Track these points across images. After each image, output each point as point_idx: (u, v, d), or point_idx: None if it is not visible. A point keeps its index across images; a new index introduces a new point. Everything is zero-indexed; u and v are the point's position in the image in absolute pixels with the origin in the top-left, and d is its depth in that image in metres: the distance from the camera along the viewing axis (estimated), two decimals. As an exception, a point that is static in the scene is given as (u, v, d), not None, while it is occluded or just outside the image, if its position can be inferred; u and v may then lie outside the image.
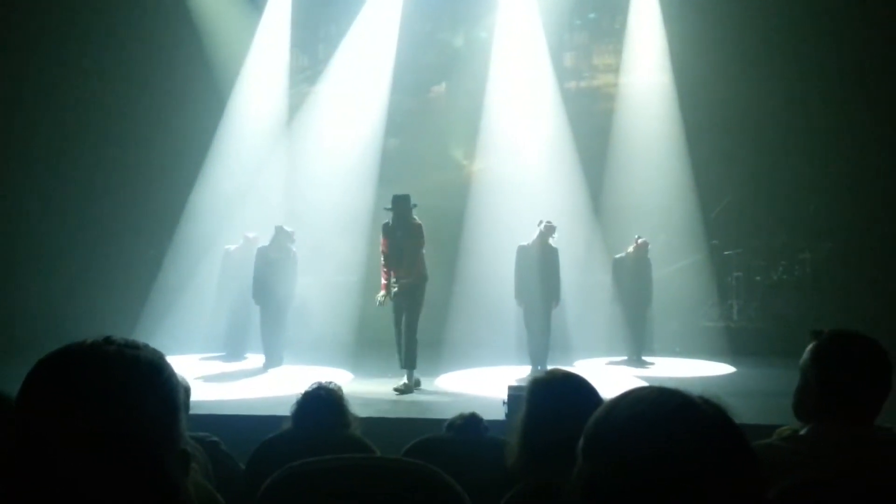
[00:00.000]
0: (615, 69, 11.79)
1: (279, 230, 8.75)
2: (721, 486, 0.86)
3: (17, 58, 10.93)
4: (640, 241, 9.17)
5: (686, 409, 0.91)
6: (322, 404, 3.05)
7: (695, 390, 0.94)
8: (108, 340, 1.02)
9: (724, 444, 0.89)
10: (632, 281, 9.08)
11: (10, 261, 10.68)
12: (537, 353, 8.25)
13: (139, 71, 11.00)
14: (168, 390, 1.02)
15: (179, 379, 1.09)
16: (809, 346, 2.07)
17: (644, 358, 9.07)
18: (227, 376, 7.90)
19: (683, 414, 0.90)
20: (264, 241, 8.87)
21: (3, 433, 1.99)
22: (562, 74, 11.59)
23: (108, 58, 11.01)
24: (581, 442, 0.96)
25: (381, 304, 7.32)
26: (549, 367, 2.72)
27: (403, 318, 7.28)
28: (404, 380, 7.14)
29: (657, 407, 0.91)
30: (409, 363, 7.20)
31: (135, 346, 1.03)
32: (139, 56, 10.98)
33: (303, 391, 3.16)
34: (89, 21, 10.94)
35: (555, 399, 2.07)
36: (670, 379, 7.89)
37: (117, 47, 10.98)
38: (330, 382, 3.20)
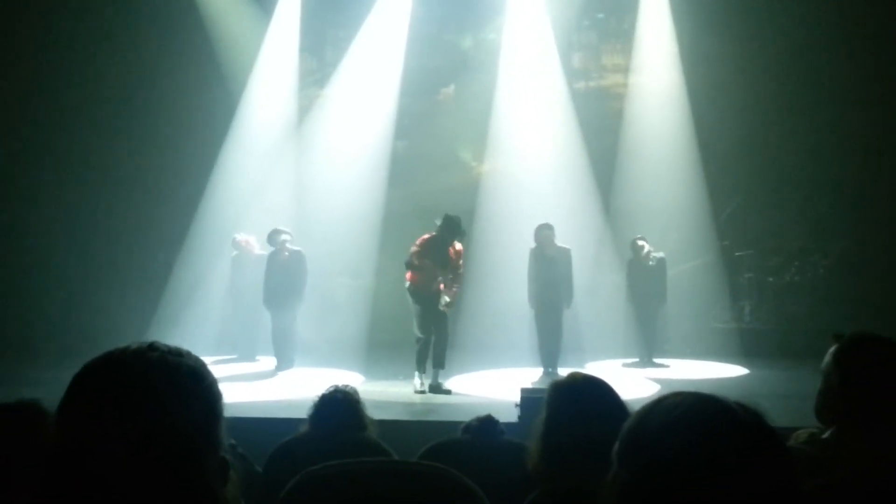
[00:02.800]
0: (624, 69, 11.76)
1: (276, 233, 8.78)
2: (760, 491, 0.86)
3: (29, 63, 10.99)
4: (641, 243, 9.13)
5: (724, 415, 0.91)
6: (339, 407, 3.05)
7: (731, 395, 0.94)
8: (152, 347, 1.03)
9: (762, 449, 0.88)
10: (646, 281, 9.04)
11: (21, 265, 10.73)
12: (549, 355, 8.24)
13: (149, 75, 11.04)
14: (209, 398, 1.03)
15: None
16: (831, 349, 2.05)
17: (656, 360, 9.03)
18: (239, 379, 7.91)
19: (721, 419, 0.90)
20: (261, 241, 8.94)
21: (32, 437, 2.01)
22: (571, 75, 11.56)
23: (119, 62, 11.06)
24: (616, 447, 0.95)
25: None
26: (568, 371, 2.71)
27: None
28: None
29: (695, 412, 0.91)
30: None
31: (178, 354, 1.04)
32: (149, 60, 11.02)
33: (319, 394, 3.16)
34: (98, 24, 10.99)
35: (575, 403, 2.06)
36: (683, 381, 7.88)
37: (127, 51, 11.03)
38: (346, 385, 3.20)
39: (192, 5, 11.09)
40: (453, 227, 7.40)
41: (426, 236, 7.43)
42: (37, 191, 10.99)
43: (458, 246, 7.52)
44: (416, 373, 7.27)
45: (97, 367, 1.00)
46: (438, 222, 7.45)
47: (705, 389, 0.96)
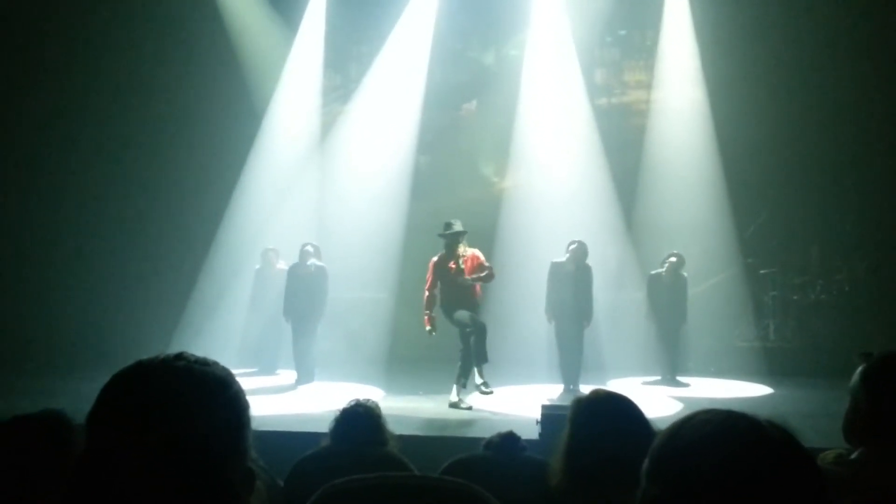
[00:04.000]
0: (647, 85, 11.74)
1: (305, 248, 8.85)
2: None
3: (54, 78, 11.19)
4: (672, 259, 9.07)
5: (754, 433, 0.90)
6: (360, 421, 3.05)
7: (762, 413, 0.93)
8: (179, 356, 1.05)
9: (793, 467, 0.88)
10: (667, 298, 8.97)
11: (46, 276, 10.88)
12: (570, 371, 8.21)
13: (176, 89, 11.19)
14: (235, 407, 1.04)
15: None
16: (859, 369, 2.02)
17: (679, 378, 8.94)
18: (259, 392, 7.93)
19: (751, 437, 0.89)
20: (285, 256, 8.97)
21: (57, 447, 2.03)
22: (593, 91, 11.56)
23: (146, 75, 11.22)
24: (646, 464, 0.95)
25: None
26: (589, 387, 2.70)
27: None
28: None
29: (725, 430, 0.90)
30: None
31: (204, 363, 1.06)
32: (176, 75, 11.18)
33: (341, 408, 3.16)
34: (126, 37, 11.18)
35: (599, 420, 2.05)
36: (707, 399, 7.78)
37: (155, 65, 11.20)
38: (368, 400, 3.21)
39: (218, 21, 11.25)
40: (448, 236, 7.28)
41: (434, 259, 7.41)
42: (61, 204, 11.15)
43: (471, 252, 7.37)
44: (475, 370, 7.14)
45: (125, 376, 1.03)
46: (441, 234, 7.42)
47: (732, 408, 0.96)
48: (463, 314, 7.18)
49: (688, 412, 0.99)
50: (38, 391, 7.33)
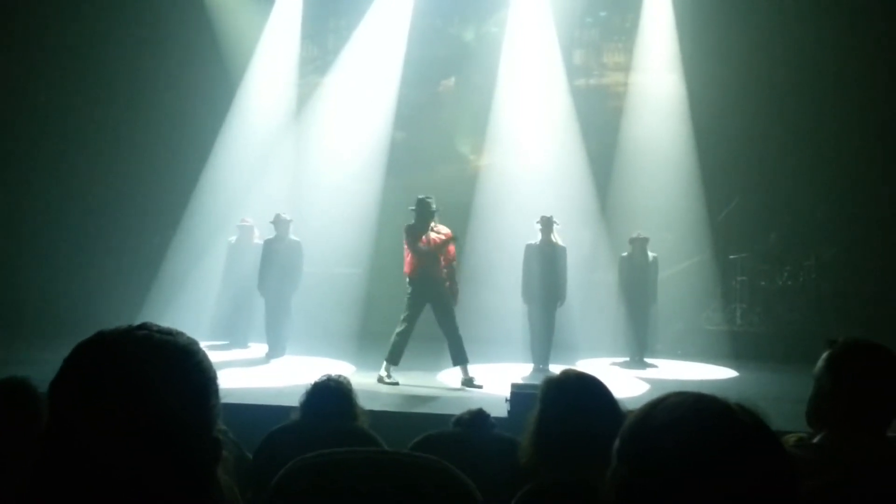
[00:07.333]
0: (625, 68, 11.77)
1: (278, 220, 8.75)
2: (758, 493, 0.87)
3: (27, 46, 10.93)
4: (637, 236, 9.12)
5: (724, 416, 0.91)
6: (331, 396, 3.06)
7: (730, 396, 0.95)
8: (141, 326, 1.05)
9: (761, 451, 0.89)
10: (637, 280, 9.05)
11: (15, 248, 10.69)
12: (540, 351, 8.26)
13: (148, 60, 10.99)
14: (199, 375, 1.03)
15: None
16: (824, 355, 2.06)
17: (646, 360, 9.05)
18: (229, 365, 7.91)
19: (721, 421, 0.91)
20: (260, 228, 8.89)
21: (21, 413, 2.01)
22: (571, 71, 11.56)
23: (117, 46, 11.00)
24: (617, 444, 0.96)
25: None
26: (559, 367, 2.72)
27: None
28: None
29: (695, 413, 0.92)
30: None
31: (167, 332, 1.05)
32: (148, 45, 10.97)
33: (312, 382, 3.16)
34: (98, 9, 10.93)
35: (568, 399, 2.08)
36: (674, 381, 7.89)
37: (126, 34, 10.98)
38: (339, 375, 3.21)
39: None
40: (423, 210, 7.22)
41: (406, 226, 7.32)
42: (31, 173, 10.94)
43: (444, 231, 7.31)
44: (386, 363, 7.18)
45: (86, 346, 1.02)
46: (413, 208, 7.33)
47: (699, 390, 0.97)
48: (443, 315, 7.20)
49: (655, 393, 1.01)
50: (6, 360, 7.22)
